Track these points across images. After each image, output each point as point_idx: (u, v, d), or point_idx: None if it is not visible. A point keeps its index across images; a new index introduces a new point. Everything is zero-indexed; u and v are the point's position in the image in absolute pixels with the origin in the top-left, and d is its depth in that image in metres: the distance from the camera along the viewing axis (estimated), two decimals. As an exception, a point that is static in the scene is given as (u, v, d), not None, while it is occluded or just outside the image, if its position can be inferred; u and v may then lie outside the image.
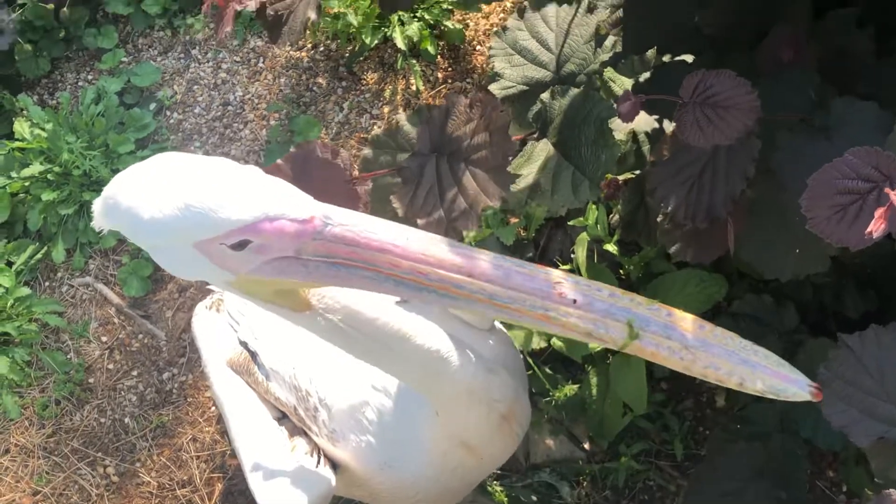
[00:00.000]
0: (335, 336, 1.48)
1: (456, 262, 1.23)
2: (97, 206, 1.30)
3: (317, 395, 1.86)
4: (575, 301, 1.21)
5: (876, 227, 1.27)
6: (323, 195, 1.28)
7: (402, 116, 1.60)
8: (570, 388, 2.60)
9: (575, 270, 2.58)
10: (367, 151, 1.60)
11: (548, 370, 2.67)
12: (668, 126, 1.83)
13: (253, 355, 2.04)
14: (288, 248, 1.24)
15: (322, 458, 1.87)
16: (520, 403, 1.83)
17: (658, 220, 1.79)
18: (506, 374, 1.78)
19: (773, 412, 2.30)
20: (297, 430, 1.95)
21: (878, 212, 1.28)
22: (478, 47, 3.31)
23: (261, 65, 3.43)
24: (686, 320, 1.23)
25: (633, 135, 1.86)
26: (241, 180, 1.24)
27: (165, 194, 1.21)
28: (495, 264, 1.23)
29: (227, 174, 1.24)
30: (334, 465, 1.88)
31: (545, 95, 1.64)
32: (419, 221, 1.52)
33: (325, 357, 1.91)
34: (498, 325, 1.98)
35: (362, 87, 3.33)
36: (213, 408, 3.00)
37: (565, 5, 1.82)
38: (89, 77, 3.54)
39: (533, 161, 1.62)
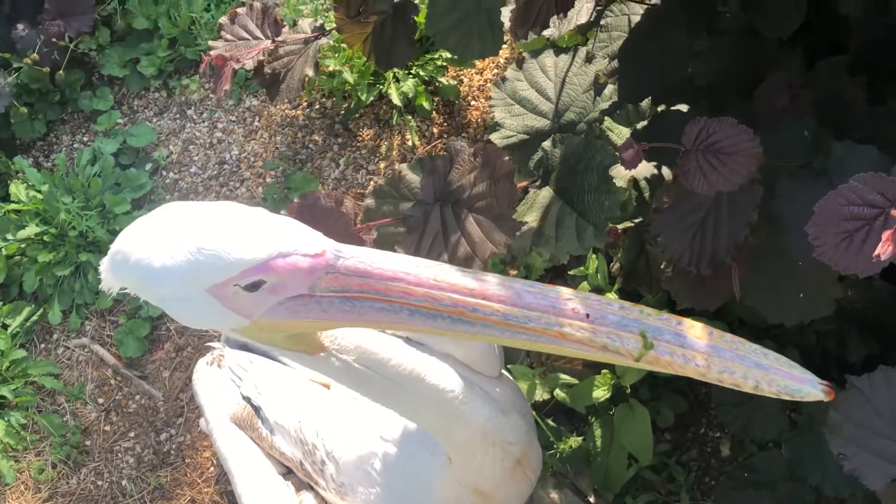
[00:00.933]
0: (350, 377, 1.48)
1: (468, 285, 1.23)
2: (105, 264, 1.29)
3: (323, 447, 1.84)
4: (588, 315, 1.22)
5: (884, 250, 1.27)
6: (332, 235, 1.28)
7: (404, 166, 1.60)
8: (575, 441, 2.58)
9: (576, 321, 2.57)
10: (369, 201, 1.60)
11: (551, 422, 2.65)
12: (668, 173, 1.84)
13: (256, 410, 2.02)
14: (302, 285, 1.23)
15: None
16: (533, 447, 1.81)
17: (661, 267, 1.79)
18: (518, 416, 1.77)
19: (780, 460, 2.28)
20: (303, 485, 1.93)
21: (886, 234, 1.28)
22: (472, 102, 3.34)
23: (256, 123, 3.45)
24: (696, 328, 1.24)
25: (634, 182, 1.86)
26: (250, 221, 1.24)
27: (175, 241, 1.21)
28: (506, 285, 1.24)
29: (236, 216, 1.24)
30: None
31: (546, 144, 1.65)
32: (424, 270, 1.52)
33: (332, 409, 1.90)
34: (505, 372, 1.97)
35: (358, 144, 3.34)
36: (212, 468, 2.96)
37: (563, 55, 1.83)
38: (85, 139, 3.55)
39: (536, 208, 1.62)
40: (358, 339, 1.45)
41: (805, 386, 1.21)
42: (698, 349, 1.21)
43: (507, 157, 1.49)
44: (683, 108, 1.95)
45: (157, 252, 1.21)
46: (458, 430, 1.64)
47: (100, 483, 3.00)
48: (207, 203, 1.27)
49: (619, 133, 1.93)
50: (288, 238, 1.23)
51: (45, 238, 3.24)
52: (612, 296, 2.50)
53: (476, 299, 1.22)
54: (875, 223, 1.33)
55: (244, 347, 2.25)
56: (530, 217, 1.62)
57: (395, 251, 1.50)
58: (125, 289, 1.31)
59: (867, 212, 1.33)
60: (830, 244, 1.36)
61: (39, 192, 3.29)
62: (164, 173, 3.43)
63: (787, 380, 1.21)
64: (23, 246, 3.25)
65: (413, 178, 1.59)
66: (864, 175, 1.34)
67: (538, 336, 1.22)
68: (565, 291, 1.25)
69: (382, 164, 3.28)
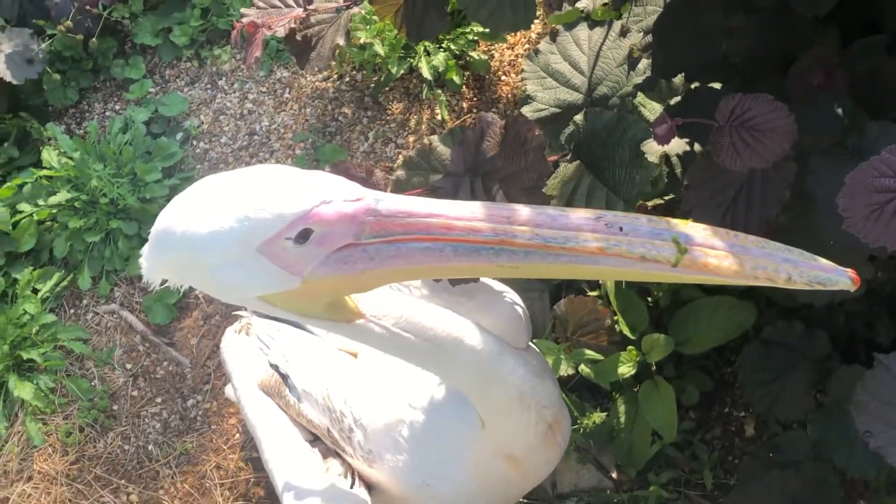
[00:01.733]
0: (391, 342, 1.49)
1: (504, 214, 1.24)
2: (146, 250, 1.29)
3: (351, 415, 1.85)
4: (621, 229, 1.23)
5: None
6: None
7: (434, 138, 1.60)
8: (598, 416, 2.58)
9: (603, 297, 2.57)
10: (399, 173, 1.60)
11: (575, 398, 2.66)
12: (699, 150, 1.83)
13: (284, 378, 2.04)
14: (347, 232, 1.24)
15: (357, 480, 1.86)
16: (563, 413, 1.82)
17: (690, 243, 1.78)
18: (551, 380, 1.78)
19: (805, 441, 2.28)
20: (329, 452, 1.94)
21: None
22: (503, 77, 3.33)
23: (287, 95, 3.46)
24: (721, 231, 1.25)
25: (666, 158, 1.85)
26: (288, 176, 1.25)
27: (220, 206, 1.22)
28: (539, 210, 1.25)
29: (273, 175, 1.25)
30: (369, 487, 1.87)
31: (578, 117, 1.64)
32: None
33: (360, 377, 1.91)
34: (532, 344, 1.97)
35: (387, 117, 3.34)
36: (238, 435, 2.99)
37: (597, 28, 1.82)
38: (117, 107, 3.57)
39: (567, 182, 1.62)
40: (393, 304, 1.47)
41: (833, 275, 1.22)
42: (729, 249, 1.23)
43: (537, 130, 1.49)
44: (717, 85, 1.94)
45: (203, 220, 1.22)
46: (496, 391, 1.65)
47: (126, 447, 3.04)
48: (241, 169, 1.28)
49: (652, 109, 1.92)
50: (329, 186, 1.24)
51: (76, 204, 3.27)
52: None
53: (514, 225, 1.23)
54: (907, 195, 1.32)
55: (272, 316, 2.27)
56: (560, 191, 1.61)
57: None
58: (167, 281, 1.31)
59: (898, 184, 1.32)
60: (860, 216, 1.34)
61: (71, 158, 3.32)
62: (195, 143, 3.44)
63: (816, 270, 1.22)
64: (54, 212, 3.28)
65: (443, 149, 1.59)
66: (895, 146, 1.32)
67: (578, 256, 1.22)
68: (594, 211, 1.26)
69: (411, 138, 3.28)
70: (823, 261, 1.23)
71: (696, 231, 1.24)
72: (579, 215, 1.24)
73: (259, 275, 1.25)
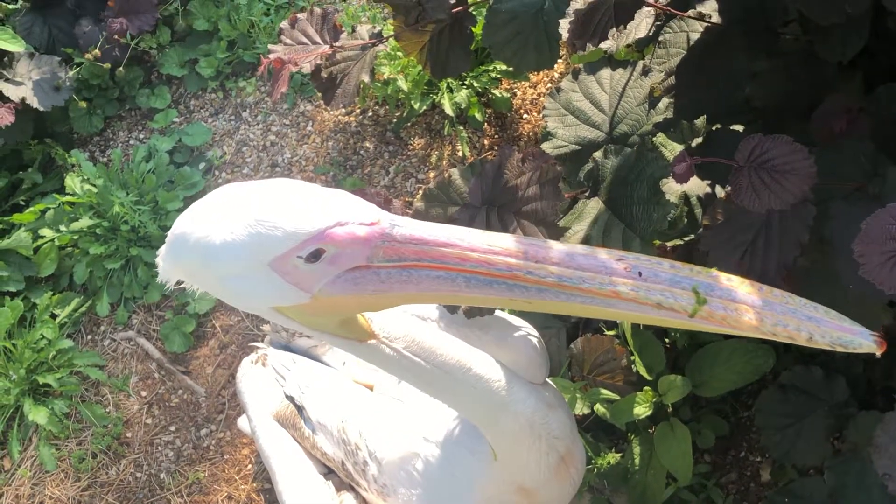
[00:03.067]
0: (400, 365, 1.49)
1: (521, 248, 1.23)
2: (163, 251, 1.30)
3: (366, 448, 1.84)
4: (640, 274, 1.21)
5: None
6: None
7: (454, 171, 1.61)
8: (613, 457, 2.56)
9: (621, 338, 2.56)
10: (418, 204, 1.61)
11: (590, 437, 2.64)
12: (720, 192, 1.82)
13: (299, 409, 2.04)
14: (360, 255, 1.24)
15: None
16: (577, 445, 1.81)
17: (709, 285, 1.77)
18: (563, 411, 1.76)
19: (822, 487, 2.25)
20: (343, 486, 1.94)
21: None
22: (524, 115, 3.34)
23: (309, 128, 3.48)
24: (746, 284, 1.22)
25: (686, 199, 1.85)
26: (306, 193, 1.25)
27: (235, 217, 1.22)
28: (557, 248, 1.24)
29: (291, 190, 1.26)
30: None
31: (598, 154, 1.65)
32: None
33: (375, 410, 1.90)
34: (549, 380, 1.96)
35: (409, 153, 3.36)
36: (250, 465, 2.98)
37: (619, 69, 1.83)
38: (141, 135, 3.60)
39: (584, 218, 1.62)
40: (406, 328, 1.47)
41: (857, 337, 1.19)
42: (751, 303, 1.20)
43: (554, 162, 1.49)
44: (739, 128, 1.94)
45: (217, 229, 1.22)
46: (505, 420, 1.64)
47: (138, 475, 3.03)
48: (261, 181, 1.29)
49: (673, 149, 1.92)
50: (345, 207, 1.24)
51: (98, 231, 3.29)
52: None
53: (530, 262, 1.22)
54: (921, 244, 1.32)
55: (287, 348, 2.27)
56: (578, 226, 1.62)
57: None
58: (181, 283, 1.31)
59: (914, 233, 1.32)
60: (876, 262, 1.34)
61: (94, 185, 3.35)
62: (217, 173, 3.47)
63: (840, 332, 1.19)
64: (75, 238, 3.30)
65: (462, 182, 1.60)
66: (911, 195, 1.33)
67: (592, 298, 1.22)
68: (616, 252, 1.25)
69: (432, 174, 3.30)
70: (849, 322, 1.20)
71: (719, 281, 1.22)
72: (600, 255, 1.23)
73: (269, 288, 1.26)
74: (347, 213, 1.23)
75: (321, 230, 1.22)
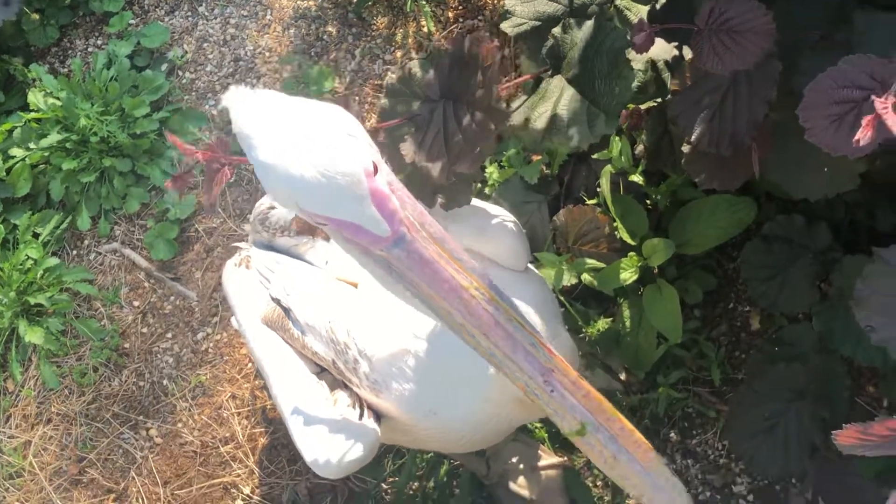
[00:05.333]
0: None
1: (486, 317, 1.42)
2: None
3: (356, 346, 1.85)
4: (552, 391, 1.42)
5: (863, 136, 1.24)
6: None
7: (414, 63, 1.56)
8: (604, 323, 2.58)
9: (601, 204, 2.55)
10: (383, 101, 1.58)
11: (579, 306, 2.66)
12: (688, 53, 1.79)
13: (286, 311, 2.03)
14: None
15: (365, 410, 1.87)
16: (559, 341, 1.83)
17: (683, 149, 1.76)
18: (547, 309, 1.85)
19: (811, 332, 2.28)
20: (337, 383, 1.95)
21: (866, 120, 1.25)
22: (488, -18, 3.26)
23: (269, 17, 3.40)
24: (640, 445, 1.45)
25: (653, 63, 1.82)
26: (345, 169, 1.32)
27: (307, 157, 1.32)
28: (509, 332, 1.42)
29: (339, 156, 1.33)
30: (377, 416, 1.88)
31: (557, 30, 1.60)
32: (429, 168, 1.50)
33: (361, 308, 1.90)
34: (531, 266, 1.96)
35: (373, 33, 3.29)
36: (250, 364, 3.02)
37: (574, -65, 1.77)
38: (99, 42, 3.52)
39: (548, 98, 1.59)
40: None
41: None
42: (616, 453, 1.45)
43: (496, 45, 1.45)
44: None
45: (288, 159, 1.33)
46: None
47: (141, 384, 3.07)
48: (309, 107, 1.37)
49: (637, 12, 1.87)
50: (364, 214, 1.34)
51: (68, 145, 3.24)
52: (637, 178, 2.48)
53: (480, 333, 1.43)
54: (864, 106, 1.30)
55: (270, 247, 2.25)
56: (542, 108, 1.58)
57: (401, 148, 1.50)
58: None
59: (857, 94, 1.31)
60: (821, 126, 1.34)
61: (58, 98, 3.28)
62: (181, 73, 3.40)
63: None
64: (46, 154, 3.25)
65: (422, 75, 1.56)
66: (852, 57, 1.31)
67: (508, 374, 1.45)
68: (555, 361, 1.43)
69: (399, 54, 3.23)
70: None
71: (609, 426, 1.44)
72: (538, 359, 1.43)
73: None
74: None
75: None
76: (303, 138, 1.33)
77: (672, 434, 2.65)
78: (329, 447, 1.78)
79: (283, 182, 1.33)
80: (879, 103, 1.22)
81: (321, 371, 2.00)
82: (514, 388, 1.60)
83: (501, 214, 1.89)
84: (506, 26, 1.76)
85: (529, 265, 1.95)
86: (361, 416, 1.85)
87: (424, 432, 1.88)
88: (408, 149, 1.52)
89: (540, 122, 1.58)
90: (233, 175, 1.53)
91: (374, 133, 1.53)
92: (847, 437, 1.37)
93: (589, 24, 1.57)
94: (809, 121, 1.34)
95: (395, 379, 1.80)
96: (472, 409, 1.80)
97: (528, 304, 1.80)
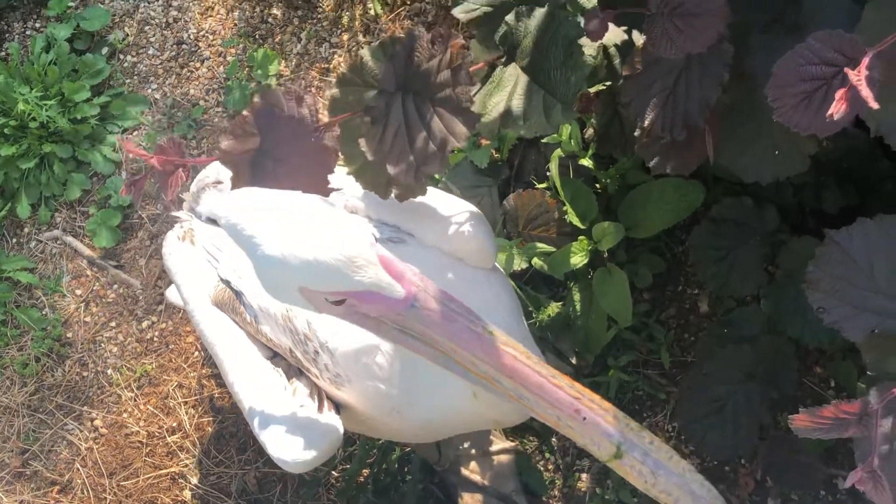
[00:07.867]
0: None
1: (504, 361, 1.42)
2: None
3: (317, 338, 1.78)
4: (584, 419, 1.42)
5: (837, 110, 1.24)
6: (292, 153, 1.43)
7: (365, 52, 1.52)
8: (554, 307, 2.59)
9: (551, 188, 2.55)
10: (334, 91, 1.54)
11: (530, 291, 2.66)
12: (638, 37, 1.78)
13: (238, 294, 1.96)
14: (373, 312, 1.42)
15: (325, 402, 1.83)
16: (525, 337, 1.82)
17: (635, 133, 1.76)
18: (507, 312, 1.84)
19: (759, 314, 2.31)
20: (292, 371, 1.89)
21: (839, 94, 1.25)
22: (434, -36, 3.23)
23: (212, -1, 3.34)
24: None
25: (604, 48, 1.81)
26: (354, 245, 1.38)
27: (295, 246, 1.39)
28: (535, 370, 1.43)
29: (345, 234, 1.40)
30: (337, 406, 1.84)
31: (510, 17, 1.59)
32: (390, 169, 1.48)
33: None
34: (497, 266, 1.93)
35: (319, 15, 3.24)
36: (197, 353, 2.98)
37: (524, -82, 1.75)
38: (37, 25, 3.43)
39: (503, 87, 1.57)
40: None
41: None
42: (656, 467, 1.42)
43: (463, 45, 1.43)
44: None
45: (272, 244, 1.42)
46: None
47: (85, 374, 3.01)
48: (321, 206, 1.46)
49: (589, -3, 1.86)
50: (381, 280, 1.39)
51: (6, 131, 3.15)
52: (586, 161, 2.48)
53: (505, 376, 1.43)
54: (833, 82, 1.30)
55: (213, 222, 2.16)
56: (497, 97, 1.57)
57: (359, 146, 1.47)
58: None
59: (825, 71, 1.30)
60: (789, 105, 1.33)
61: (-6, 83, 3.20)
62: (122, 56, 3.33)
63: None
64: (-17, 141, 3.17)
65: (374, 65, 1.51)
66: (821, 33, 1.30)
67: (540, 414, 1.45)
68: (579, 390, 1.44)
69: (345, 37, 3.19)
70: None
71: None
72: (562, 393, 1.43)
73: (287, 294, 1.48)
74: (384, 285, 1.40)
75: (357, 291, 1.40)
76: (304, 224, 1.40)
77: (622, 416, 2.66)
78: (294, 443, 1.72)
79: (296, 270, 1.38)
80: (853, 74, 1.22)
81: (273, 356, 1.94)
82: (486, 397, 1.62)
83: (464, 207, 1.86)
84: (457, 12, 1.74)
85: (496, 263, 1.92)
86: (321, 407, 1.80)
87: (385, 426, 1.86)
88: (368, 146, 1.48)
89: (496, 111, 1.56)
90: (188, 178, 1.50)
91: (327, 129, 1.50)
92: (801, 421, 1.39)
93: (541, 11, 1.55)
94: (779, 99, 1.33)
95: (360, 376, 1.75)
96: (438, 413, 1.78)
97: (499, 303, 1.79)
